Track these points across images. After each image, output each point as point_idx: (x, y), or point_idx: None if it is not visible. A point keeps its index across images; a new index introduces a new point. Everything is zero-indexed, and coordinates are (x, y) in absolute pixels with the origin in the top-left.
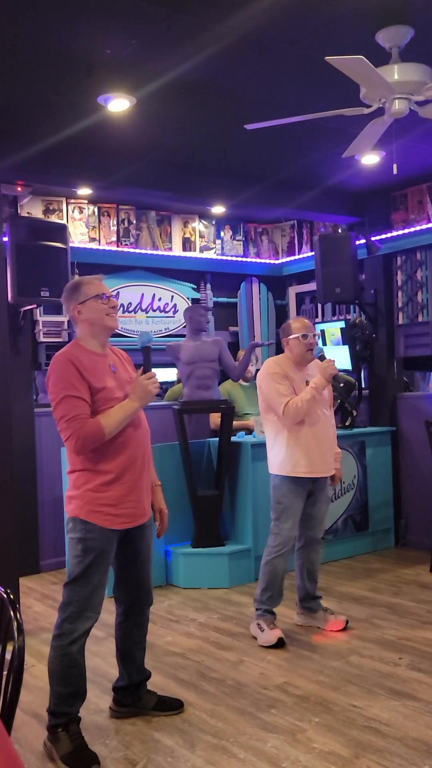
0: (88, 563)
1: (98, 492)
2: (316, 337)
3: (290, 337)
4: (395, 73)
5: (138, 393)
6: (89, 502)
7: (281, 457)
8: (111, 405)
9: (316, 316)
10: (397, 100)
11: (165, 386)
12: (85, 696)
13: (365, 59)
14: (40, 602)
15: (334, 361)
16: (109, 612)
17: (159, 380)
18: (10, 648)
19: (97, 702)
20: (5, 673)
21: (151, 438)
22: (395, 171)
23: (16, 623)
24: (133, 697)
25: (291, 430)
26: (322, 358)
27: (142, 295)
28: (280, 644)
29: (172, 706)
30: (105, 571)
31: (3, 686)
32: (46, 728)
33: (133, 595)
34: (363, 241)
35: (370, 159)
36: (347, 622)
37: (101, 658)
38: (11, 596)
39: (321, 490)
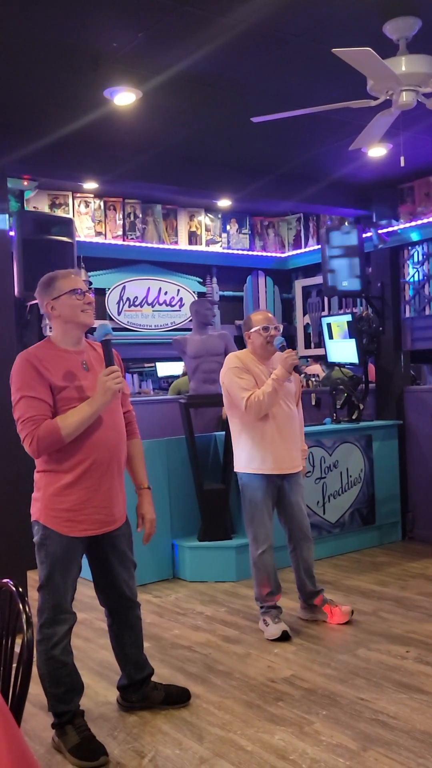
0: (50, 570)
1: (58, 496)
2: (279, 330)
3: (251, 330)
4: (402, 64)
5: (98, 390)
6: (48, 506)
7: (246, 454)
8: (72, 405)
9: (323, 310)
10: (404, 92)
11: (171, 380)
12: (82, 689)
13: (372, 51)
14: None
15: (296, 351)
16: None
17: (167, 374)
18: (19, 641)
19: (105, 694)
20: (14, 665)
21: (157, 432)
22: (402, 163)
23: (25, 616)
24: (138, 695)
25: (256, 425)
26: (283, 348)
27: (148, 289)
28: (284, 638)
29: (179, 698)
30: (69, 576)
31: (12, 679)
32: (51, 726)
33: (113, 600)
34: (370, 233)
35: (377, 151)
36: (352, 612)
37: (108, 651)
38: (20, 589)
39: (293, 485)
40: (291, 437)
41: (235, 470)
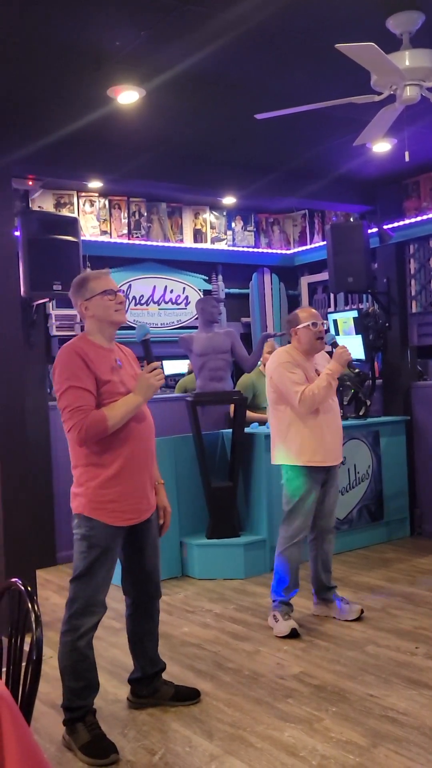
0: (93, 560)
1: (102, 488)
2: (325, 326)
3: (299, 326)
4: (406, 59)
5: (141, 386)
6: (93, 499)
7: (297, 448)
8: (115, 399)
9: (329, 306)
10: (408, 87)
11: (177, 378)
12: (98, 688)
13: (376, 46)
14: (57, 594)
15: (346, 347)
16: (122, 602)
17: (173, 372)
18: (28, 639)
19: (115, 692)
20: (24, 664)
21: (165, 430)
22: (407, 158)
23: (34, 615)
24: (149, 689)
25: (305, 419)
26: (335, 345)
27: (154, 287)
28: (293, 635)
29: (189, 696)
30: (110, 567)
31: (22, 677)
32: (63, 723)
33: (140, 587)
34: (375, 229)
35: (382, 147)
36: (362, 611)
37: (119, 649)
38: (29, 588)
39: (332, 480)
40: (336, 430)
41: (279, 463)
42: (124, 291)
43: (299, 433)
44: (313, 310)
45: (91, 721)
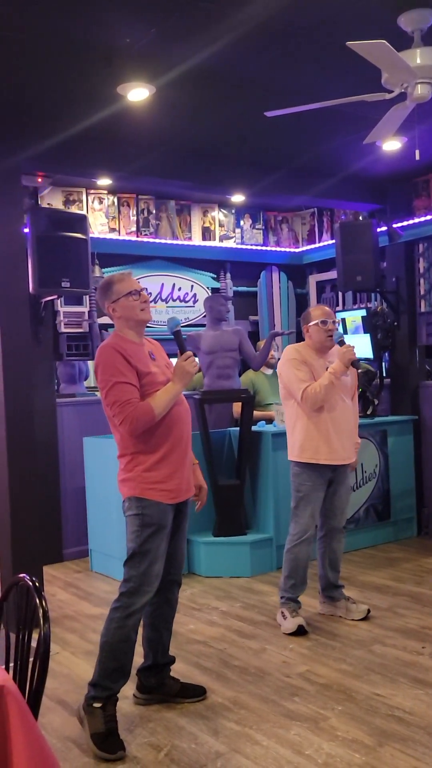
0: (146, 537)
1: (150, 471)
2: (336, 324)
3: (310, 323)
4: (418, 57)
5: (179, 374)
6: (143, 481)
7: (300, 444)
8: (157, 388)
9: (337, 305)
10: (419, 85)
11: None
12: (128, 676)
13: (387, 44)
14: (63, 590)
15: (353, 346)
16: None
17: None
18: (35, 635)
19: (123, 689)
20: (31, 659)
21: None
22: (417, 157)
23: (41, 611)
24: (157, 679)
25: (311, 416)
26: (341, 343)
27: (162, 284)
28: (300, 632)
29: (195, 692)
30: (161, 545)
31: (29, 673)
32: (85, 697)
33: (169, 569)
34: (384, 228)
35: (392, 145)
36: (369, 611)
37: None
38: (36, 584)
39: (342, 479)
40: (345, 429)
41: (288, 459)
42: (147, 289)
43: (303, 429)
44: (327, 308)
45: (111, 712)
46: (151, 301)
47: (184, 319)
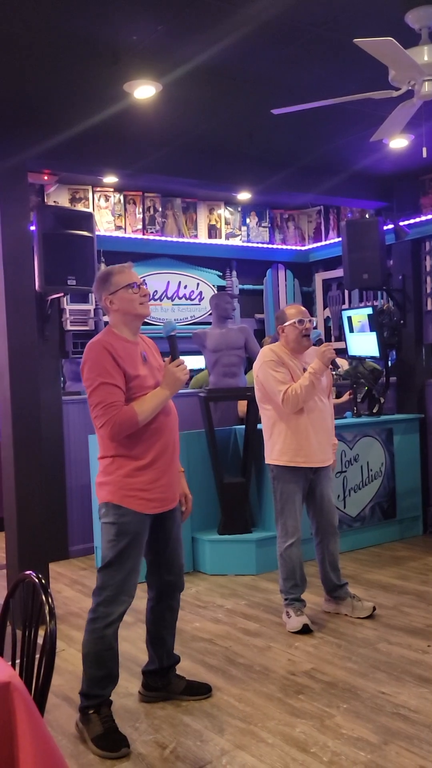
0: (122, 547)
1: (131, 477)
2: (313, 323)
3: (285, 323)
4: (425, 54)
5: (168, 380)
6: (122, 487)
7: (280, 447)
8: (144, 392)
9: (343, 303)
10: (426, 83)
11: (192, 373)
12: (117, 680)
13: (394, 41)
14: (69, 587)
15: (331, 345)
16: (138, 598)
17: (188, 367)
18: (41, 632)
19: (127, 686)
20: (38, 656)
21: (179, 425)
22: (425, 154)
23: (47, 608)
24: (163, 681)
25: (289, 419)
26: (319, 342)
27: (168, 282)
28: (305, 630)
29: (200, 690)
30: (139, 554)
31: (35, 670)
32: (78, 710)
33: (165, 578)
34: (391, 226)
35: (399, 142)
36: (374, 608)
37: (130, 643)
38: (43, 581)
39: (323, 479)
40: (323, 431)
41: (266, 462)
42: (147, 284)
43: (282, 432)
44: (302, 308)
45: (106, 713)
46: (157, 299)
47: (190, 317)
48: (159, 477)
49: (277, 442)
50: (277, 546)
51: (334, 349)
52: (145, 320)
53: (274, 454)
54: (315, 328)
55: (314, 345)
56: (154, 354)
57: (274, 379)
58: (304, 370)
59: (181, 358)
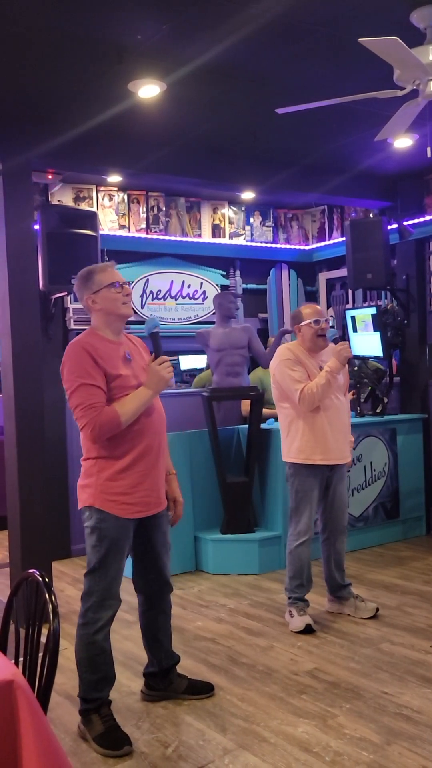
0: (105, 552)
1: (112, 480)
2: (328, 322)
3: (302, 323)
4: (430, 53)
5: (151, 380)
6: (103, 491)
7: (296, 445)
8: (127, 393)
9: (347, 303)
10: (431, 82)
11: (194, 373)
12: (114, 680)
13: (399, 40)
14: (72, 586)
15: (348, 344)
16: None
17: (190, 367)
18: (44, 630)
19: (129, 685)
20: (41, 655)
21: (181, 425)
22: (429, 154)
23: (51, 606)
24: (164, 682)
25: (306, 417)
26: (336, 341)
27: (172, 282)
28: (307, 630)
29: (202, 689)
30: (122, 559)
31: (39, 668)
32: (78, 712)
33: (152, 583)
34: (395, 225)
35: (403, 142)
36: (377, 609)
37: (132, 642)
38: (46, 579)
39: (339, 478)
40: (340, 428)
41: (283, 459)
42: (130, 283)
43: (299, 430)
44: (317, 307)
45: (106, 713)
46: (160, 298)
47: (193, 316)
48: (141, 480)
49: (295, 440)
50: (287, 543)
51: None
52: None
53: (292, 451)
54: (332, 327)
55: (331, 343)
56: (141, 353)
57: (290, 377)
58: (321, 369)
59: (165, 356)
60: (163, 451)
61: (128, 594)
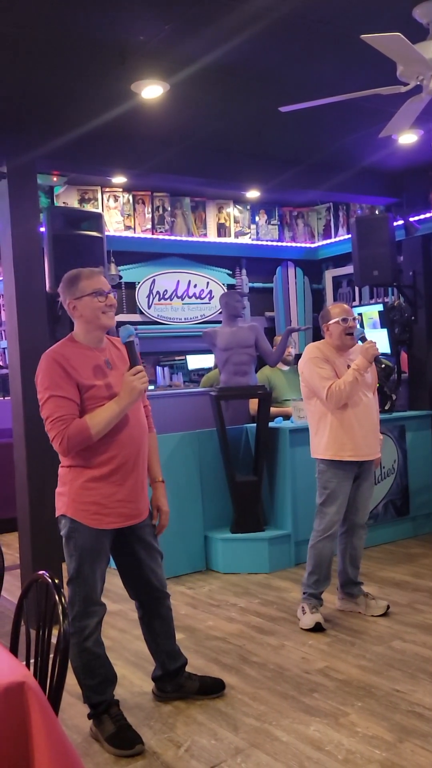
0: (80, 562)
1: (85, 489)
2: (356, 321)
3: (330, 322)
4: None
5: (124, 390)
6: (76, 500)
7: (326, 441)
8: (101, 403)
9: (354, 300)
10: None
11: (202, 372)
12: (116, 679)
13: (402, 36)
14: None
15: (375, 342)
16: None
17: (197, 367)
18: (55, 632)
19: (141, 684)
20: (51, 655)
21: (189, 424)
22: None
23: (61, 607)
24: (173, 685)
25: (335, 414)
26: (363, 339)
27: (178, 282)
28: (317, 629)
29: (214, 687)
30: (99, 567)
31: (50, 669)
32: (88, 716)
33: (142, 592)
34: (401, 222)
35: (408, 138)
36: (388, 607)
37: (143, 642)
38: (56, 581)
39: (366, 474)
40: (369, 425)
41: (312, 456)
42: (115, 292)
43: (328, 426)
44: (345, 306)
45: (116, 712)
46: (167, 298)
47: (200, 316)
48: (116, 491)
49: (324, 437)
50: (310, 537)
51: None
52: (157, 321)
53: (321, 448)
54: (360, 326)
55: (359, 342)
56: (126, 359)
57: (318, 375)
58: (349, 366)
59: (140, 366)
60: (141, 461)
61: None
